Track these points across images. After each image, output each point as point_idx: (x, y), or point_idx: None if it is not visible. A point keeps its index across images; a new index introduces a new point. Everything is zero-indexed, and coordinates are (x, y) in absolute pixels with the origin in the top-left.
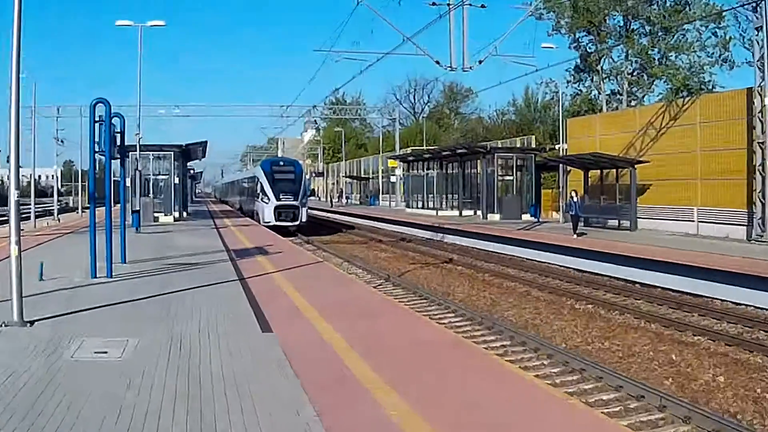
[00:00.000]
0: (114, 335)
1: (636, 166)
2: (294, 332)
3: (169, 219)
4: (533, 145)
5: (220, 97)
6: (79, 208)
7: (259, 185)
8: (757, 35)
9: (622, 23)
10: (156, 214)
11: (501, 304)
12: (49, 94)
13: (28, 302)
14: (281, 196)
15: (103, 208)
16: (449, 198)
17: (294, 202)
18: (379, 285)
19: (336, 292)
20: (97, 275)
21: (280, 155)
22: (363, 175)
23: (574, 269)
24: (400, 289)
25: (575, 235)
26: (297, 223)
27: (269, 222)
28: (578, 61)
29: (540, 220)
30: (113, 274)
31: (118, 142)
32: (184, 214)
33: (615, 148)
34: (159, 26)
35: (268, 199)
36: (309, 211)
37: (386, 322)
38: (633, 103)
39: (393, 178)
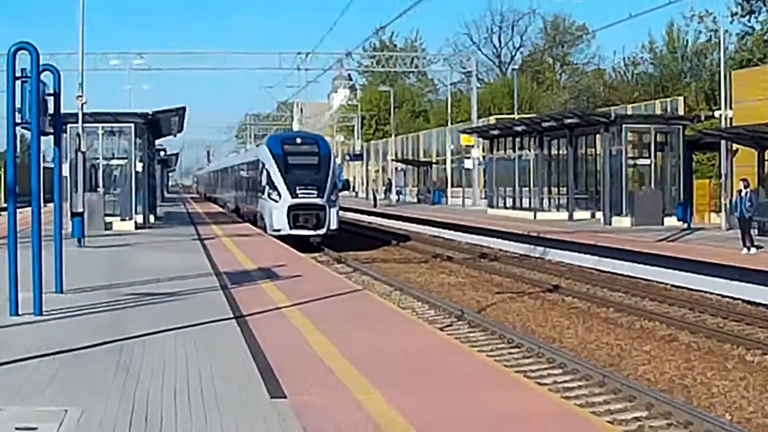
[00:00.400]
0: (46, 403)
1: None
2: (325, 406)
3: (129, 225)
4: (680, 112)
5: (205, 41)
6: None
7: (263, 174)
8: None
9: None
10: (109, 219)
11: (632, 354)
12: None
13: None
14: (298, 191)
15: (29, 209)
16: (554, 193)
17: (318, 200)
18: (448, 326)
19: (382, 338)
20: (19, 312)
21: (296, 129)
22: (422, 159)
23: (744, 302)
24: (478, 331)
25: (745, 249)
26: (323, 231)
27: (280, 230)
28: None
29: (691, 225)
30: (43, 310)
31: (51, 109)
32: (152, 218)
33: None
34: None
35: (279, 195)
36: (341, 213)
37: (460, 386)
38: None
39: (468, 163)
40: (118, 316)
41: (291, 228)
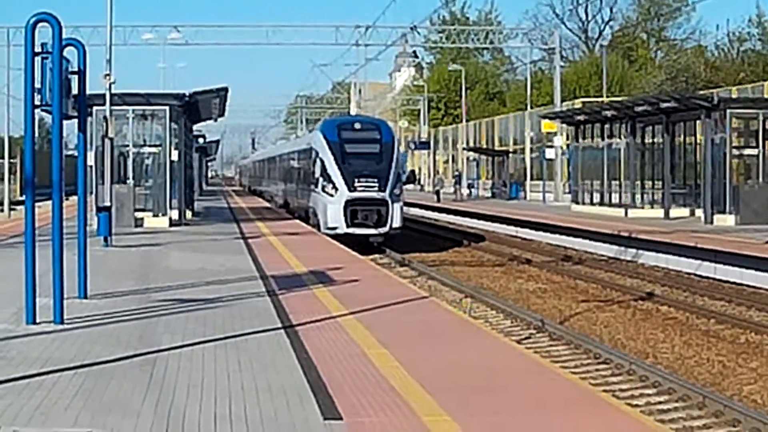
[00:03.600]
0: (68, 424)
1: None
2: (386, 430)
3: (162, 222)
4: None
5: (250, 12)
6: (5, 203)
7: (317, 164)
8: None
9: None
10: (139, 215)
11: (736, 372)
12: None
13: None
14: (357, 184)
15: (49, 203)
16: (647, 187)
17: (379, 194)
18: (526, 338)
19: (451, 353)
20: (38, 320)
21: (353, 113)
22: (497, 148)
23: None
24: (561, 345)
25: None
26: (384, 230)
27: (336, 228)
28: None
29: None
30: (65, 317)
31: (75, 90)
32: (188, 213)
33: None
34: None
35: (334, 188)
36: (405, 208)
37: (540, 407)
38: None
39: (549, 153)
40: (149, 325)
41: (348, 226)
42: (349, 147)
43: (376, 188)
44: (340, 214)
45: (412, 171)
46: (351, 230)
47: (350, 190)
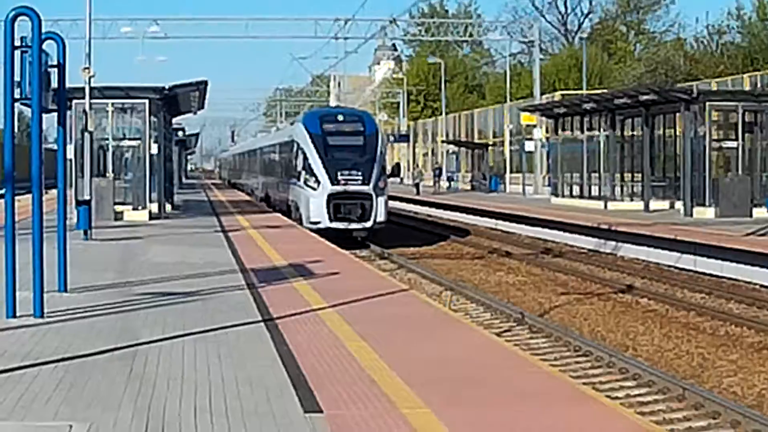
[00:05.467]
0: (48, 417)
1: None
2: (366, 422)
3: (142, 215)
4: None
5: (229, 6)
6: None
7: (299, 157)
8: None
9: None
10: (119, 208)
11: (716, 364)
12: None
13: None
14: (340, 177)
15: (29, 196)
16: (627, 179)
17: (363, 188)
18: (506, 331)
19: (431, 345)
20: (17, 313)
21: (332, 105)
22: (477, 141)
23: None
24: (540, 337)
25: None
26: (368, 224)
27: (318, 222)
28: None
29: None
30: (45, 311)
31: (54, 83)
32: (168, 206)
33: None
34: None
35: (317, 181)
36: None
37: (519, 399)
38: None
39: (529, 145)
40: (129, 318)
41: (331, 220)
42: (331, 139)
43: (360, 181)
44: (323, 208)
45: (397, 164)
46: (334, 225)
47: (333, 184)
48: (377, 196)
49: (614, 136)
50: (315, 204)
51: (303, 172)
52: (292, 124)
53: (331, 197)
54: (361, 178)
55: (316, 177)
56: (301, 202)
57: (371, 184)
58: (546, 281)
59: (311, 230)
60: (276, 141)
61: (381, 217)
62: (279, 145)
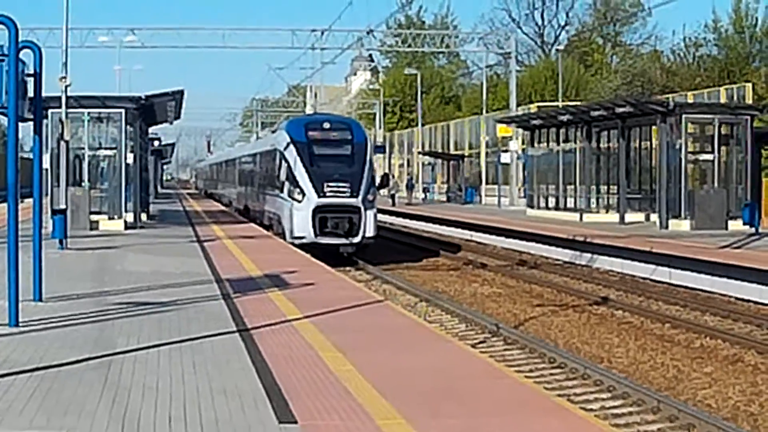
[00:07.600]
0: (23, 426)
1: None
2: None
3: (117, 225)
4: (749, 101)
5: (206, 16)
6: None
7: (282, 167)
8: None
9: None
10: (95, 217)
11: (691, 376)
12: None
13: None
14: (327, 189)
15: (4, 206)
16: (603, 192)
17: (351, 200)
18: (481, 342)
19: (407, 356)
20: None
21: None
22: (453, 152)
23: None
24: (515, 349)
25: None
26: (357, 240)
27: (303, 237)
28: None
29: (759, 230)
30: (20, 320)
31: (31, 92)
32: (144, 216)
33: None
34: None
35: (302, 193)
36: None
37: (494, 411)
38: None
39: (505, 157)
40: (104, 328)
41: (317, 235)
42: (317, 148)
43: (348, 193)
44: (308, 221)
45: (386, 174)
46: (320, 239)
47: (319, 196)
48: (366, 210)
49: (590, 148)
50: (299, 217)
51: (286, 183)
52: (274, 132)
53: (317, 210)
54: (349, 190)
55: (300, 188)
56: (283, 214)
57: (360, 197)
58: (521, 293)
59: (295, 245)
60: (257, 150)
61: (370, 232)
62: (260, 154)
